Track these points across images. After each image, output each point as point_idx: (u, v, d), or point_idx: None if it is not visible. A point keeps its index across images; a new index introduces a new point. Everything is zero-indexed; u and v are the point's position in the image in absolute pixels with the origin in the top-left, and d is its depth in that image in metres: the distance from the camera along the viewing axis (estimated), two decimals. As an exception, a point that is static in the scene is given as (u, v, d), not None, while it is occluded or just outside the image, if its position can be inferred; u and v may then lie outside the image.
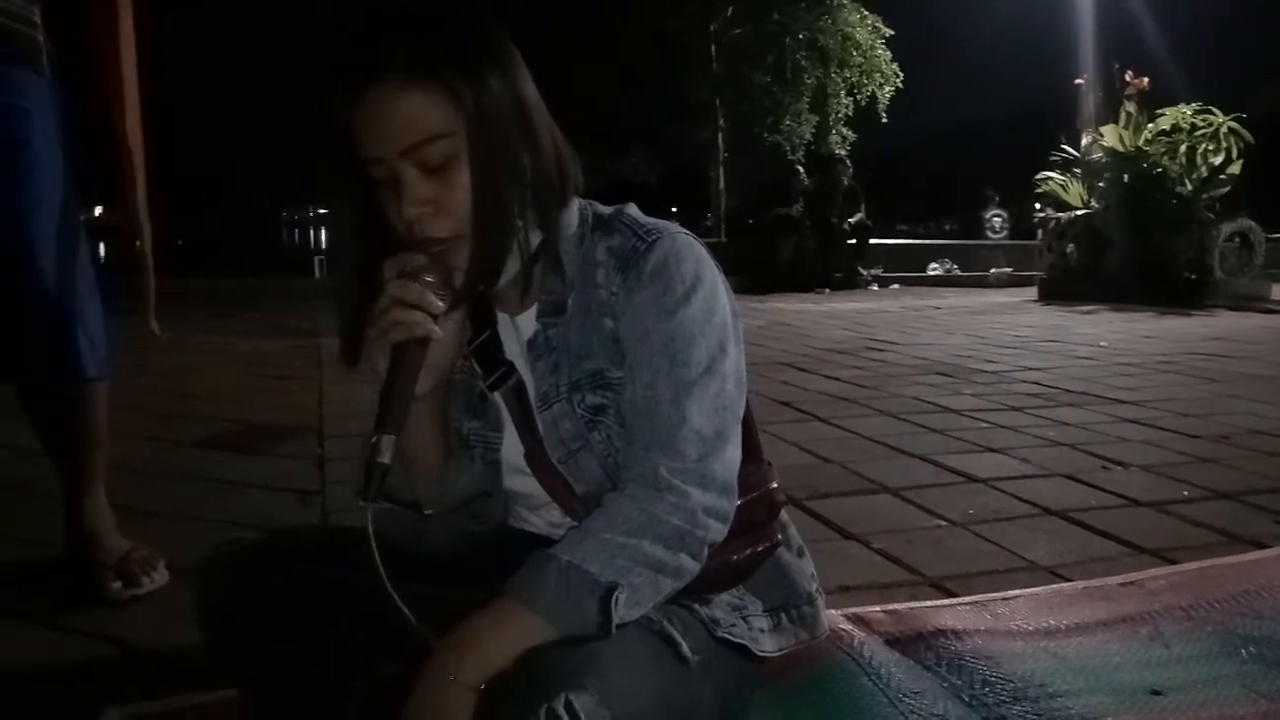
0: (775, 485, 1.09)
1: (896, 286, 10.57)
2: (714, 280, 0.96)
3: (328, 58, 0.92)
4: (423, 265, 0.87)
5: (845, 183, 10.46)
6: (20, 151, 1.48)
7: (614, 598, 0.82)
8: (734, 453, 0.94)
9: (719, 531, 0.92)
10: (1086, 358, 4.48)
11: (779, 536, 1.08)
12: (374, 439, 0.85)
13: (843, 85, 15.47)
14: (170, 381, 3.54)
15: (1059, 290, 8.08)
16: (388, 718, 0.93)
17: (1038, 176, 8.68)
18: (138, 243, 1.75)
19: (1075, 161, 8.46)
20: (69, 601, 1.54)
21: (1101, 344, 4.99)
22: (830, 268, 10.11)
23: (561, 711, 0.73)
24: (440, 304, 0.88)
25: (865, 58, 15.35)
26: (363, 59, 0.87)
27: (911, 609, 1.48)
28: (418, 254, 0.88)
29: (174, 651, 1.35)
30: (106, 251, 1.63)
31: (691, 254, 0.95)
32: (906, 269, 12.12)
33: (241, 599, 0.95)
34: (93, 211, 1.64)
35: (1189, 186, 7.54)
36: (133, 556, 1.59)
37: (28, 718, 1.22)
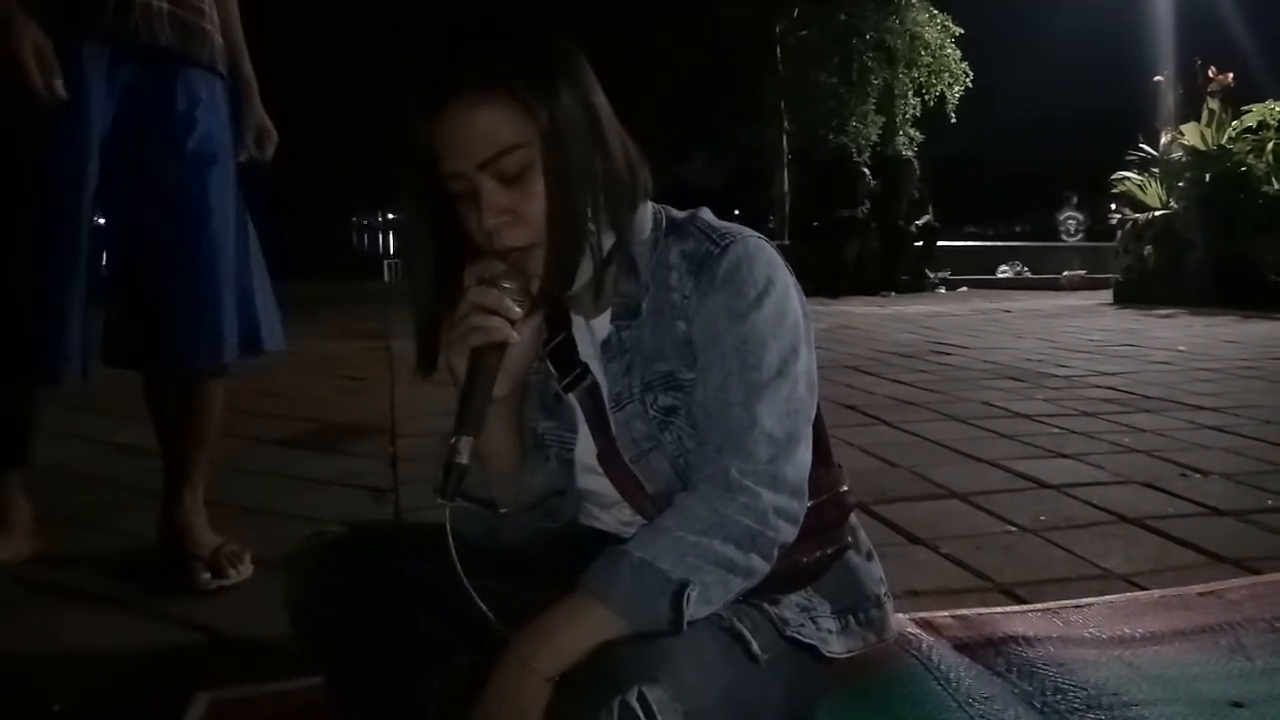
0: (845, 488, 1.10)
1: (965, 289, 10.38)
2: (786, 284, 0.98)
3: (404, 77, 0.95)
4: (502, 272, 0.91)
5: (912, 185, 10.30)
6: (201, 149, 1.59)
7: (685, 594, 0.84)
8: (805, 455, 0.95)
9: (789, 533, 0.93)
10: (1164, 363, 4.35)
11: (848, 539, 1.09)
12: (453, 440, 0.88)
13: (910, 85, 15.23)
14: (251, 381, 3.65)
15: (1135, 293, 7.85)
16: (464, 708, 0.97)
17: (1114, 177, 8.44)
18: None
19: (1153, 161, 8.20)
20: (162, 591, 1.61)
21: (1180, 349, 4.84)
22: (896, 270, 9.96)
23: (634, 703, 0.75)
24: (518, 310, 0.91)
25: (934, 57, 15.09)
26: (437, 77, 0.90)
27: (981, 614, 1.47)
28: (497, 261, 0.91)
29: (259, 640, 1.41)
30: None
31: (763, 257, 0.97)
32: (975, 271, 11.87)
33: (327, 589, 0.98)
34: (246, 214, 1.76)
35: (1276, 185, 7.25)
36: (221, 550, 1.66)
37: (125, 700, 1.28)
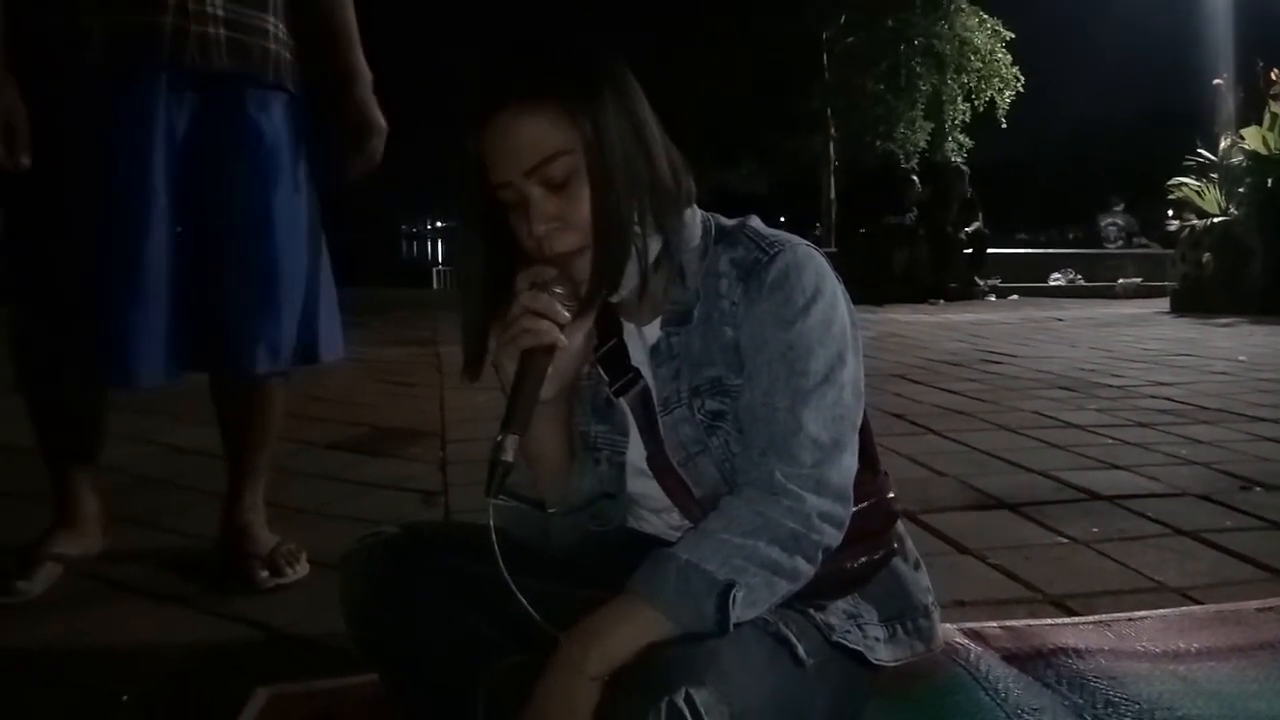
0: (892, 495, 1.10)
1: (1015, 297, 10.21)
2: (834, 292, 0.99)
3: (456, 90, 0.99)
4: (552, 277, 0.93)
5: (961, 192, 10.17)
6: (271, 157, 1.64)
7: (731, 596, 0.86)
8: (850, 461, 0.96)
9: (834, 537, 0.94)
10: (1223, 373, 4.25)
11: (894, 546, 1.09)
12: (499, 438, 0.90)
13: (959, 91, 15.05)
14: (305, 386, 3.73)
15: (1193, 302, 7.66)
16: (514, 707, 0.99)
17: (1170, 182, 8.26)
18: None
19: (1212, 166, 8.01)
20: (221, 589, 1.66)
21: (1240, 359, 4.72)
22: (945, 278, 9.84)
23: (681, 705, 0.76)
24: (567, 314, 0.93)
25: (984, 62, 14.90)
26: (485, 91, 0.94)
27: (1030, 626, 1.45)
28: (548, 267, 0.94)
29: (315, 637, 1.45)
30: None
31: (812, 265, 0.98)
32: (1026, 279, 11.67)
33: (380, 588, 1.01)
34: (318, 226, 1.81)
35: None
36: (279, 549, 1.70)
37: (188, 692, 1.32)
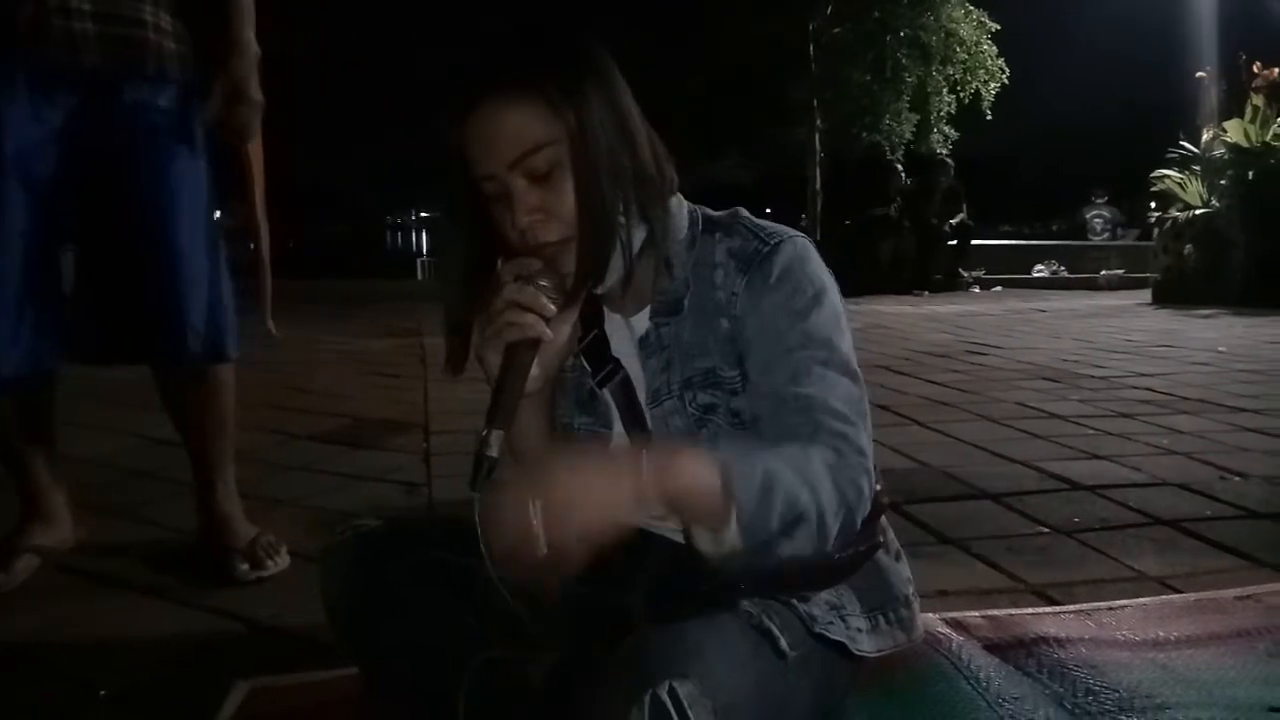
0: (880, 487, 1.10)
1: (999, 289, 10.27)
2: (834, 285, 1.01)
3: (436, 83, 0.98)
4: (537, 270, 0.92)
5: (945, 184, 10.20)
6: (161, 150, 1.60)
7: (798, 525, 0.84)
8: (871, 459, 0.95)
9: (858, 520, 0.92)
10: (1203, 364, 4.28)
11: (880, 538, 1.09)
12: (484, 433, 0.88)
13: (945, 83, 15.05)
14: (286, 378, 3.72)
15: (1175, 293, 7.71)
16: (495, 699, 0.99)
17: (1153, 174, 8.30)
18: (254, 245, 1.86)
19: (1194, 159, 8.06)
20: (201, 582, 1.65)
21: (1220, 349, 4.75)
22: (930, 270, 9.87)
23: (665, 699, 0.76)
24: (552, 307, 0.92)
25: (969, 54, 14.91)
26: (467, 84, 0.93)
27: (1012, 615, 1.46)
28: (533, 259, 0.93)
29: (296, 630, 1.44)
30: (225, 254, 1.76)
31: (813, 257, 1.00)
32: (1010, 270, 11.74)
33: (361, 581, 1.00)
34: (214, 215, 1.76)
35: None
36: (259, 541, 1.69)
37: (167, 686, 1.31)
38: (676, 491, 0.81)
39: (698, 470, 0.82)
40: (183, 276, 1.62)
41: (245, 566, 1.65)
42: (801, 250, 0.99)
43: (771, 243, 0.98)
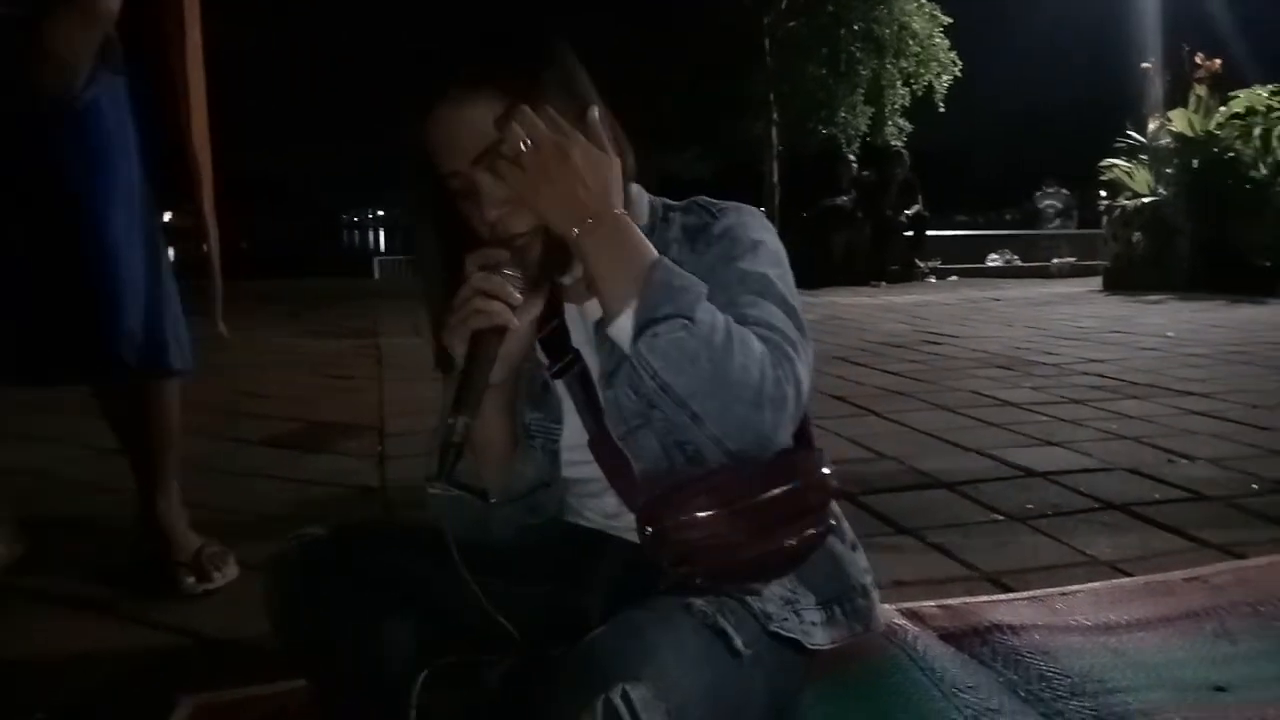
0: (827, 471, 1.09)
1: (955, 278, 10.39)
2: (780, 246, 1.02)
3: (396, 83, 0.97)
4: (504, 259, 0.92)
5: (900, 176, 10.29)
6: (99, 149, 1.53)
7: (696, 318, 0.85)
8: (807, 386, 0.94)
9: (780, 435, 0.91)
10: (1152, 349, 4.37)
11: (831, 523, 1.08)
12: (450, 421, 0.87)
13: (899, 76, 15.20)
14: (237, 381, 3.64)
15: (1124, 280, 7.86)
16: (446, 708, 0.97)
17: (1102, 164, 8.45)
18: (204, 246, 1.82)
19: (1141, 148, 8.22)
20: (145, 595, 1.61)
21: (1168, 334, 4.85)
22: (886, 260, 9.96)
23: (618, 702, 0.75)
24: (519, 295, 0.92)
25: (922, 47, 15.06)
26: (425, 81, 0.93)
27: (967, 604, 1.47)
28: (499, 249, 0.92)
29: (244, 643, 1.41)
30: (175, 255, 1.70)
31: (757, 221, 1.02)
32: (965, 260, 11.89)
33: (307, 592, 0.98)
34: (161, 216, 1.69)
35: (1264, 171, 7.28)
36: (205, 552, 1.65)
37: (108, 706, 1.28)
38: (617, 232, 0.88)
39: (644, 242, 0.89)
40: (116, 287, 1.55)
41: (191, 579, 1.61)
42: (747, 215, 1.02)
43: (717, 213, 1.02)
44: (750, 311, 0.93)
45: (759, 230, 1.01)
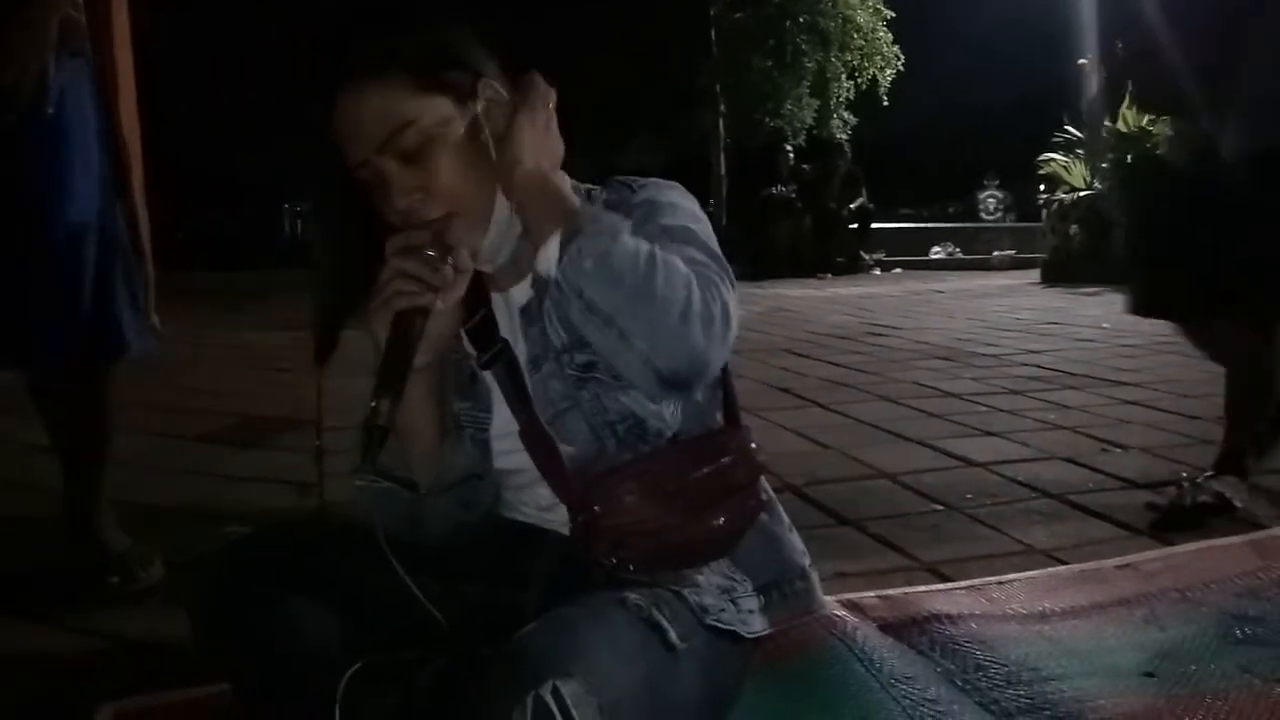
0: (754, 446, 1.08)
1: (899, 270, 10.54)
2: (698, 209, 1.01)
3: (299, 73, 0.96)
4: (424, 241, 0.90)
5: (843, 168, 10.40)
6: (58, 133, 1.48)
7: (621, 233, 0.86)
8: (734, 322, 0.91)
9: (704, 364, 0.88)
10: (1088, 340, 4.47)
11: (763, 498, 1.07)
12: (372, 403, 0.86)
13: (843, 69, 15.35)
14: (170, 376, 3.53)
15: (1062, 272, 8.04)
16: (377, 707, 0.94)
17: (1040, 158, 8.62)
18: (130, 235, 1.75)
19: (1079, 143, 8.40)
20: (67, 597, 1.55)
21: (1104, 325, 4.97)
22: (831, 253, 10.07)
23: (549, 699, 0.74)
24: (439, 277, 0.89)
25: (866, 40, 15.23)
26: (326, 71, 0.92)
27: (906, 594, 1.48)
28: (419, 232, 0.90)
29: (168, 646, 1.36)
30: (121, 246, 1.64)
31: (677, 191, 1.01)
32: (909, 253, 12.06)
33: (228, 594, 0.95)
34: (114, 201, 1.63)
35: (1194, 166, 7.48)
36: (130, 553, 1.60)
37: (24, 713, 1.22)
38: (547, 175, 0.90)
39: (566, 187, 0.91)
40: (67, 268, 1.50)
41: (115, 580, 1.55)
42: (665, 186, 1.01)
43: (637, 187, 1.01)
44: (676, 250, 0.91)
45: (678, 197, 1.01)
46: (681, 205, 0.99)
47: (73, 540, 1.62)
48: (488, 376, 1.04)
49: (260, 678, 0.97)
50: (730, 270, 0.95)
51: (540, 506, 1.07)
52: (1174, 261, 1.90)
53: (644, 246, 0.86)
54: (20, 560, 1.72)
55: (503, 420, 1.03)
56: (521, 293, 1.02)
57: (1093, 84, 9.01)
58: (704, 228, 0.98)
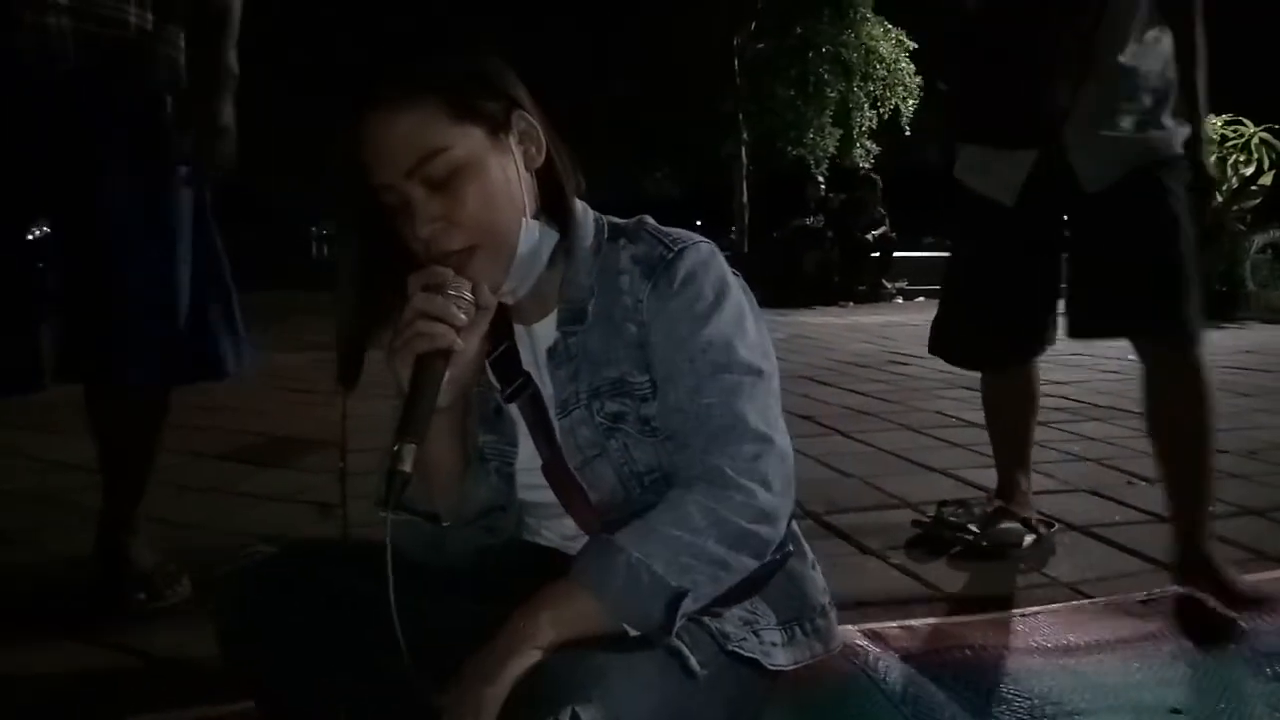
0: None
1: (922, 299, 10.48)
2: (739, 288, 1.00)
3: (331, 91, 0.97)
4: (447, 279, 0.89)
5: (874, 202, 10.39)
6: (137, 157, 1.53)
7: (681, 602, 0.85)
8: (787, 451, 0.95)
9: (780, 533, 0.94)
10: (1114, 371, 4.43)
11: (790, 546, 1.08)
12: (395, 448, 0.85)
13: (866, 98, 15.43)
14: (197, 394, 3.56)
15: (1086, 303, 7.97)
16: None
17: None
18: None
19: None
20: (95, 613, 1.56)
21: (1130, 357, 4.91)
22: (854, 281, 10.05)
23: (568, 724, 0.73)
24: (463, 316, 0.89)
25: (889, 71, 15.32)
26: (359, 90, 0.91)
27: (929, 625, 1.47)
28: (443, 269, 0.90)
29: (194, 663, 1.37)
30: (225, 269, 1.70)
31: (716, 262, 0.99)
32: (932, 281, 11.99)
33: (255, 612, 0.96)
34: (201, 227, 1.69)
35: (1219, 198, 7.43)
36: (158, 570, 1.61)
37: (51, 727, 1.24)
38: (561, 630, 0.83)
39: (560, 616, 0.83)
40: (153, 291, 1.55)
41: (143, 596, 1.57)
42: (706, 255, 0.98)
43: (676, 249, 0.98)
44: (715, 402, 0.93)
45: (721, 275, 0.98)
46: (727, 300, 0.97)
47: (102, 555, 1.64)
48: (513, 410, 1.03)
49: (283, 698, 0.98)
50: (771, 370, 0.97)
51: (565, 536, 1.06)
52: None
53: (672, 569, 0.85)
54: (50, 575, 1.74)
55: (528, 454, 1.03)
56: (546, 330, 1.02)
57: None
58: (745, 328, 0.97)
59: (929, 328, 1.97)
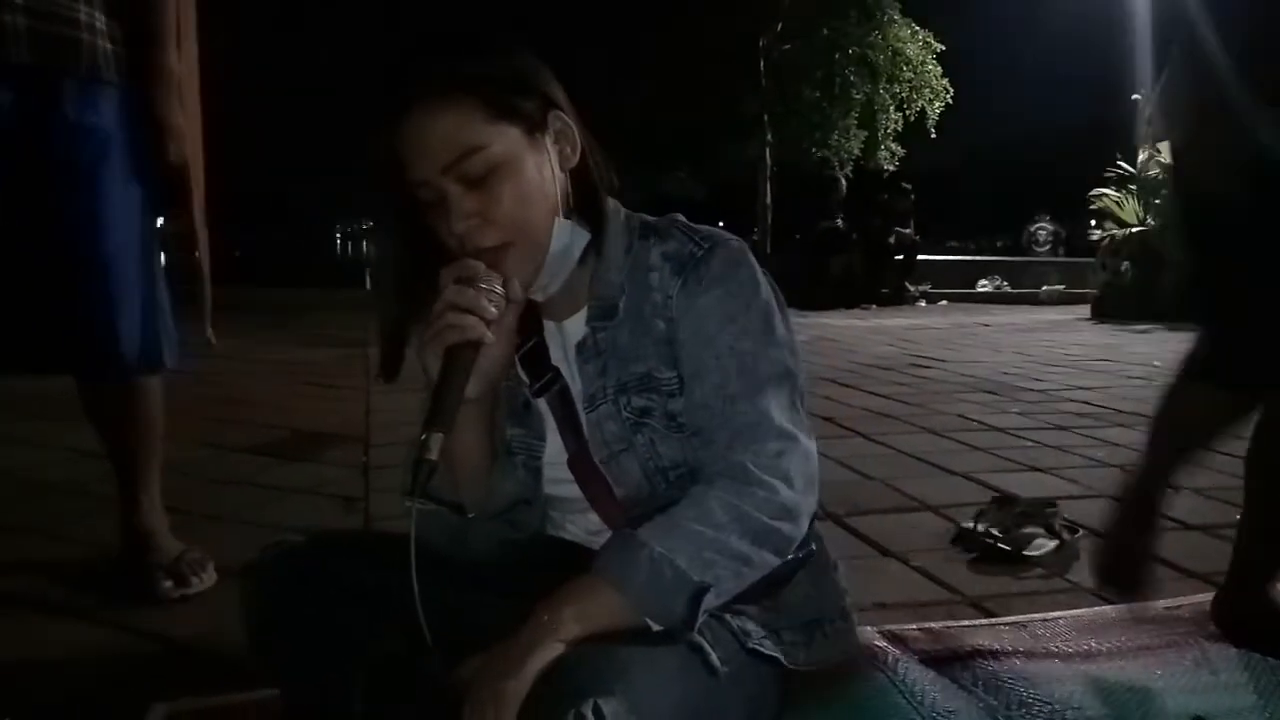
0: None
1: (945, 303, 10.44)
2: (769, 288, 1.01)
3: (369, 88, 0.97)
4: (479, 272, 0.90)
5: (903, 207, 10.34)
6: (96, 157, 1.53)
7: (704, 597, 0.86)
8: (812, 449, 0.97)
9: (803, 530, 0.95)
10: (1139, 378, 4.39)
11: (812, 546, 1.08)
12: (423, 436, 0.86)
13: (891, 101, 15.36)
14: (223, 389, 3.63)
15: (1112, 309, 7.92)
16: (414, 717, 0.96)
17: (1092, 193, 8.53)
18: (195, 253, 1.81)
19: (1131, 178, 8.29)
20: (122, 600, 1.59)
21: (1155, 364, 4.88)
22: (877, 283, 10.02)
23: (589, 716, 0.74)
24: (493, 309, 0.90)
25: (915, 73, 15.24)
26: (397, 88, 0.92)
27: (949, 628, 1.46)
28: (474, 262, 0.91)
29: (220, 650, 1.39)
30: (165, 260, 1.70)
31: (747, 260, 1.00)
32: (955, 285, 11.96)
33: (282, 601, 0.97)
34: (155, 221, 1.69)
35: (1250, 204, 7.34)
36: (184, 558, 1.63)
37: (80, 712, 1.26)
38: (585, 623, 0.84)
39: (582, 610, 0.85)
40: (114, 285, 1.56)
41: (169, 584, 1.59)
42: (736, 254, 0.99)
43: (706, 246, 0.99)
44: (739, 399, 0.95)
45: (751, 274, 1.00)
46: (756, 301, 0.99)
47: (128, 543, 1.67)
48: (541, 404, 1.04)
49: (307, 686, 0.99)
50: (797, 370, 0.99)
51: (589, 530, 1.07)
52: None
53: (695, 566, 0.87)
54: (78, 562, 1.77)
55: (555, 448, 1.04)
56: (576, 326, 1.03)
57: (1146, 118, 8.90)
58: (773, 328, 0.99)
59: (1185, 352, 1.71)
